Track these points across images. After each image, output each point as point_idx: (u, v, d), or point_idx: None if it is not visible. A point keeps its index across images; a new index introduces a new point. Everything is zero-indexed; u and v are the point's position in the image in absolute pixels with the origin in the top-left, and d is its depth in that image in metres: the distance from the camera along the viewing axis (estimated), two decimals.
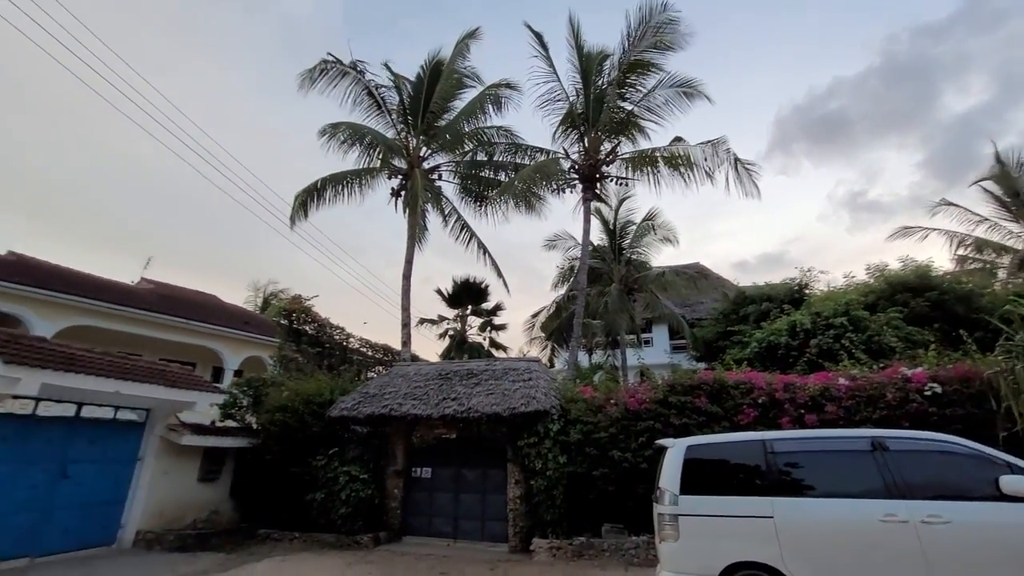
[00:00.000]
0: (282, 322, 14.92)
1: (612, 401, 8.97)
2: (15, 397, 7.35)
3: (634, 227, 19.98)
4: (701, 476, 5.18)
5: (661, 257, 38.88)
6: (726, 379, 8.48)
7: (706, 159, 13.14)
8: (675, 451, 5.35)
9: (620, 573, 7.02)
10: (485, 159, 16.54)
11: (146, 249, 53.24)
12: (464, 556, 8.54)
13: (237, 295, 31.30)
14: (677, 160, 13.39)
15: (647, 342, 23.82)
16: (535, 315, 22.18)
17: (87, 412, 8.54)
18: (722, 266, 68.81)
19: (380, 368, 17.64)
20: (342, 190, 15.10)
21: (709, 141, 13.44)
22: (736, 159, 13.24)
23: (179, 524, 9.52)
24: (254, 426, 11.18)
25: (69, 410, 8.28)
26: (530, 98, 20.99)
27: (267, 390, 11.45)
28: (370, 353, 18.08)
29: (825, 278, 15.20)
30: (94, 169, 60.47)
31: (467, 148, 16.66)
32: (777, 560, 4.54)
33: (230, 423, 11.30)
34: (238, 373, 17.39)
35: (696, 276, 19.91)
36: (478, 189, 17.11)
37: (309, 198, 14.69)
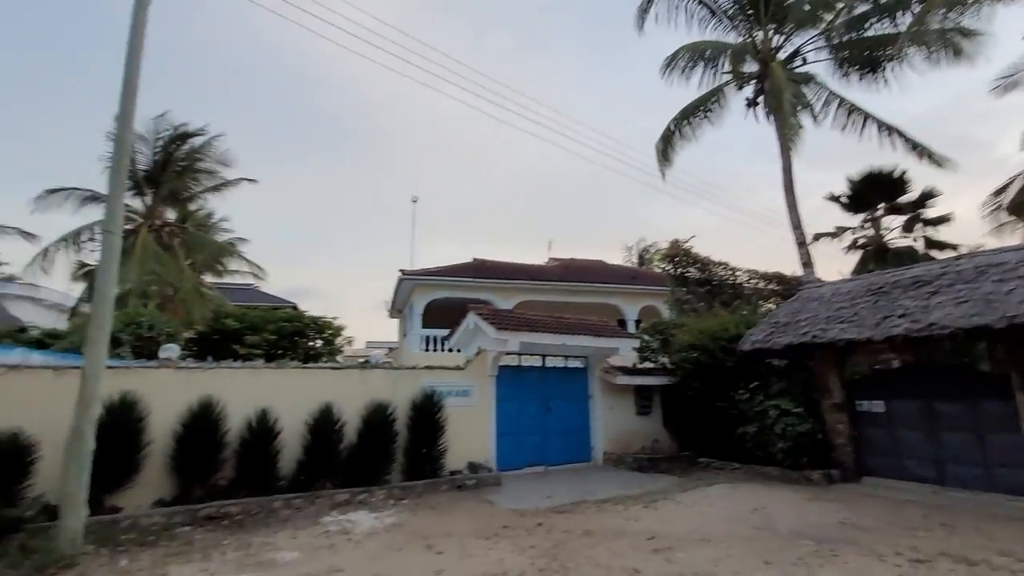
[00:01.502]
0: (666, 268, 15.51)
1: None
2: (507, 353, 10.19)
3: None
4: None
5: None
6: None
7: None
8: None
9: None
10: (868, 6, 12.49)
11: (546, 234, 66.29)
12: (967, 508, 6.67)
13: (614, 257, 34.90)
14: None
15: None
16: (998, 192, 15.50)
17: (548, 362, 11.14)
18: None
19: (776, 298, 16.10)
20: (694, 123, 14.39)
21: None
22: None
23: (630, 449, 11.17)
24: (668, 365, 12.01)
25: (538, 361, 10.99)
26: None
27: (672, 332, 12.12)
28: (761, 284, 16.71)
29: None
30: (500, 183, 79.48)
31: (835, 8, 13.00)
32: None
33: (647, 364, 12.52)
34: (637, 323, 19.27)
35: None
36: (864, 54, 13.13)
37: (667, 145, 14.64)
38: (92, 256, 15.85)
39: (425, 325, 16.83)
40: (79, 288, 17.63)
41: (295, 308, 19.34)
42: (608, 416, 11.42)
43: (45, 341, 11.05)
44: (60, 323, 17.84)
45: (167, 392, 7.18)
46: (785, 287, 16.24)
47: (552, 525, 6.14)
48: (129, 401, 6.63)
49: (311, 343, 15.41)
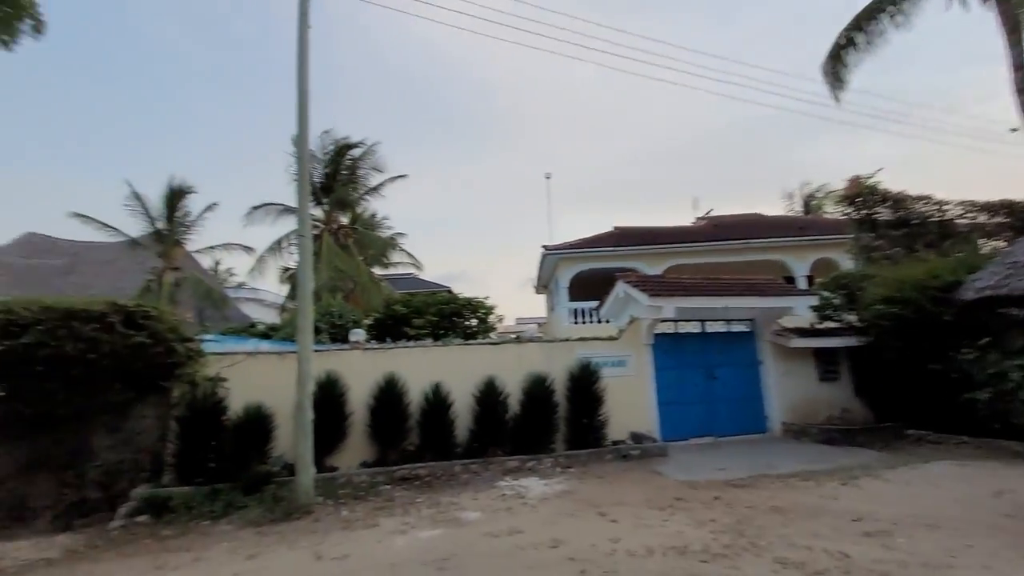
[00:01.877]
0: (846, 212, 13.26)
1: None
2: (662, 320, 9.72)
3: None
4: None
5: None
6: None
7: None
8: None
9: None
10: None
11: (689, 193, 61.81)
12: None
13: (773, 208, 31.00)
14: None
15: None
16: None
17: (709, 328, 10.38)
18: None
19: (1008, 233, 12.79)
20: (873, 30, 11.83)
21: None
22: None
23: (814, 419, 9.91)
24: (856, 324, 10.33)
25: (696, 327, 10.30)
26: None
27: (860, 285, 10.36)
28: (982, 218, 13.39)
29: None
30: (636, 147, 76.09)
31: None
32: None
33: (829, 324, 10.93)
34: (809, 279, 16.94)
35: None
36: None
37: (837, 63, 12.32)
38: (290, 260, 19.02)
39: (571, 298, 16.90)
40: (285, 288, 21.37)
41: (450, 292, 20.91)
42: (783, 383, 10.28)
43: (269, 333, 13.61)
44: (276, 318, 21.86)
45: (358, 370, 8.28)
46: (1019, 218, 12.81)
47: (732, 499, 5.73)
48: (333, 378, 7.81)
49: (467, 322, 16.56)
